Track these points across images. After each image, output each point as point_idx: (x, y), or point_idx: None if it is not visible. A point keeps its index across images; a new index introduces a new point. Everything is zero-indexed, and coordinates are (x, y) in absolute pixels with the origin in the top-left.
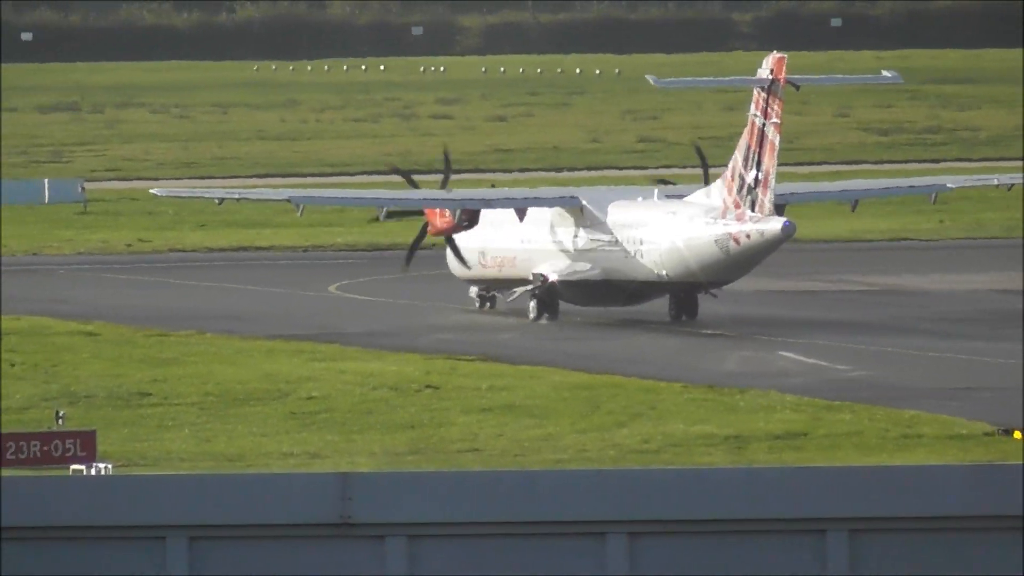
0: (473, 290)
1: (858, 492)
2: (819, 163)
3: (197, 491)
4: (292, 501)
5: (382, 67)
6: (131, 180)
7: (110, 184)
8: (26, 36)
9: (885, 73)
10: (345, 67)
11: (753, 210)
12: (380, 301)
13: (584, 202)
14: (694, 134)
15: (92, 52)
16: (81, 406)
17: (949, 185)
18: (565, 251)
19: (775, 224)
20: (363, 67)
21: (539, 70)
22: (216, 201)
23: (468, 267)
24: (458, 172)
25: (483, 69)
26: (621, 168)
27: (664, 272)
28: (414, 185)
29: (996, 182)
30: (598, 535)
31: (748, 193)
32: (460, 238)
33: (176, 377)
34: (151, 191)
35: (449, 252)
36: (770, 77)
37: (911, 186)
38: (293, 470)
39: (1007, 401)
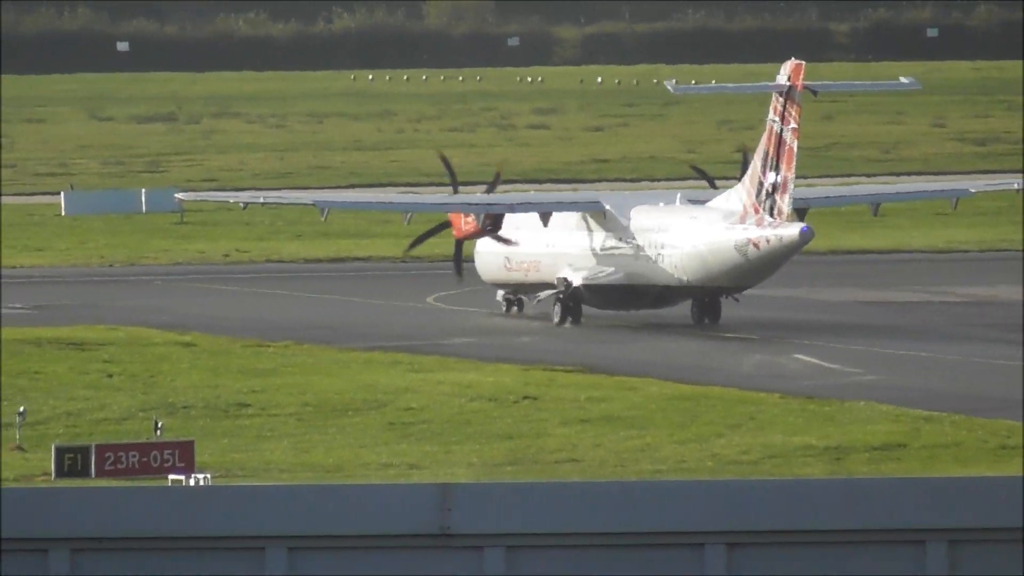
0: (500, 293)
1: (957, 502)
2: (916, 173)
3: (296, 502)
4: (391, 512)
5: (479, 77)
6: (227, 190)
7: (207, 194)
8: (122, 46)
9: (903, 79)
10: (442, 77)
11: (772, 215)
12: (478, 312)
13: (607, 207)
14: None
15: (189, 62)
16: (179, 417)
17: (971, 190)
18: (589, 256)
19: (793, 229)
20: (460, 77)
21: (635, 80)
22: (241, 205)
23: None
24: (555, 182)
25: (580, 79)
26: (717, 178)
27: (685, 276)
28: (455, 187)
29: (1016, 186)
30: (697, 546)
31: (767, 198)
32: (485, 243)
33: (274, 388)
34: (176, 195)
35: (478, 257)
36: (787, 83)
37: (933, 191)
38: (392, 481)
39: None
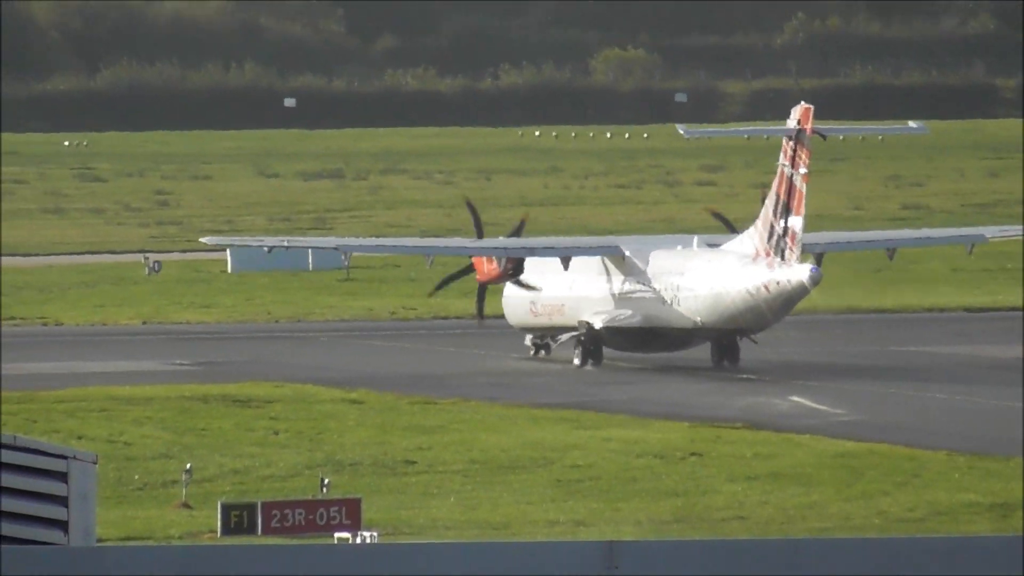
0: (528, 338)
1: None
2: None
3: (462, 559)
4: (558, 569)
5: (645, 134)
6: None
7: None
8: (289, 102)
9: (911, 124)
10: (608, 134)
11: (783, 258)
12: (645, 369)
13: (626, 251)
14: (957, 201)
15: (356, 118)
16: (346, 474)
17: (987, 236)
18: (609, 299)
19: (802, 271)
20: (626, 134)
21: None
22: (265, 249)
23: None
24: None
25: (746, 136)
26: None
27: (699, 318)
28: (480, 233)
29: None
30: None
31: (778, 242)
32: (511, 288)
33: (441, 444)
34: (201, 239)
35: (505, 302)
36: (797, 127)
37: (948, 236)
38: (558, 538)
39: None
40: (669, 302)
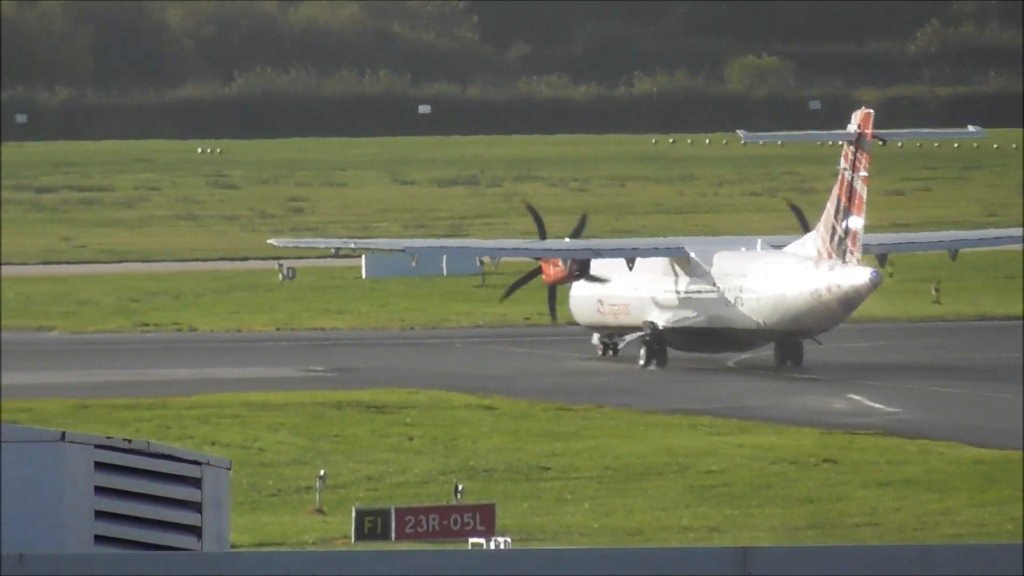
0: (595, 337)
1: None
2: None
3: (597, 565)
4: (692, 575)
5: (779, 142)
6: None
7: (508, 259)
8: (424, 109)
9: (971, 128)
10: (742, 141)
11: (844, 260)
12: (779, 375)
13: (691, 253)
14: None
15: (490, 125)
16: (480, 480)
17: None
18: (674, 300)
19: (863, 274)
20: (760, 141)
21: (936, 144)
22: (332, 251)
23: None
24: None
25: (880, 143)
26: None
27: (762, 320)
28: (542, 234)
29: None
30: None
31: (839, 244)
32: (579, 287)
33: (575, 451)
34: (269, 241)
35: (573, 302)
36: (857, 131)
37: (1012, 236)
38: (692, 544)
39: None
40: (732, 303)
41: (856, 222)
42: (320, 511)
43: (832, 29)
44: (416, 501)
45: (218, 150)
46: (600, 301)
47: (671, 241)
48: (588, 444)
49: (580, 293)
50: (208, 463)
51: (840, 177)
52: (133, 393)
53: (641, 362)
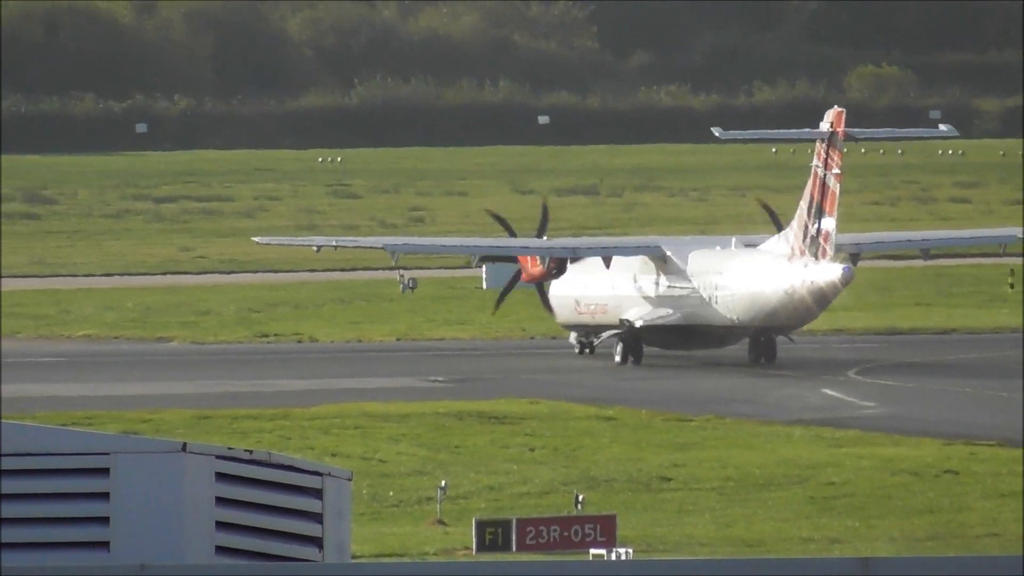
0: (572, 336)
1: None
2: None
3: None
4: None
5: (900, 151)
6: None
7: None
8: (543, 119)
9: (942, 127)
10: (863, 150)
11: (817, 257)
12: (900, 386)
13: (667, 251)
14: None
15: (610, 135)
16: (600, 490)
17: (1019, 236)
18: (649, 298)
19: (835, 270)
20: (880, 150)
21: None
22: (314, 249)
23: (551, 311)
24: (968, 257)
25: (1001, 152)
26: None
27: (736, 316)
28: (512, 233)
29: None
30: None
31: (812, 241)
32: (556, 286)
33: (695, 462)
34: (253, 239)
35: (551, 299)
36: (830, 130)
37: (981, 237)
38: (813, 555)
39: None
40: (707, 301)
41: (829, 220)
42: (441, 522)
43: (953, 38)
44: (537, 512)
45: (339, 159)
46: (577, 301)
47: (648, 240)
48: (709, 455)
49: (558, 292)
50: (329, 474)
51: (813, 175)
52: (254, 404)
53: (617, 359)
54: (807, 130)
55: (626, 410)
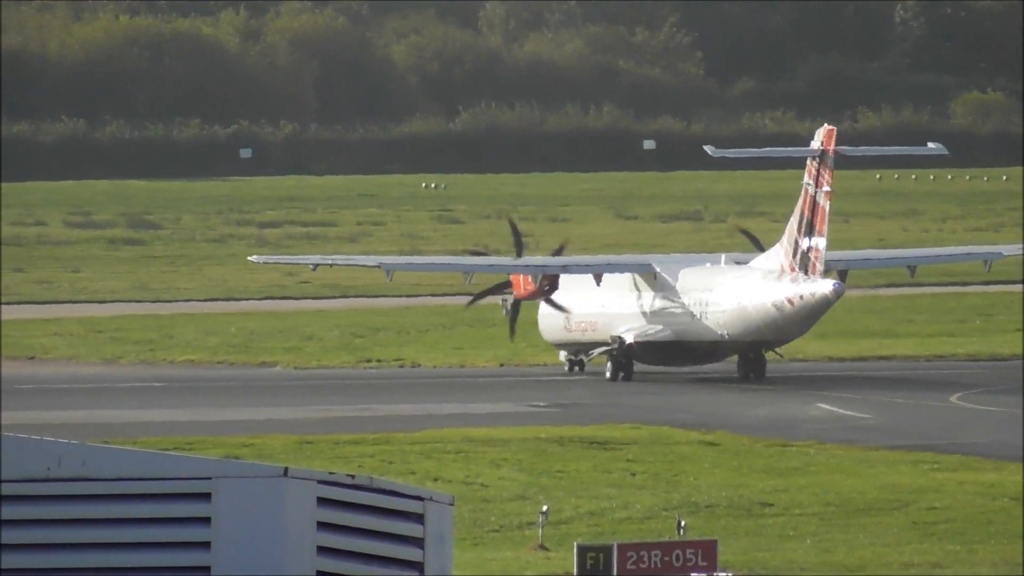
0: (562, 354)
1: None
2: None
3: None
4: None
5: (1004, 177)
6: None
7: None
8: (648, 144)
9: (931, 145)
10: (967, 176)
11: (807, 273)
12: (1003, 412)
13: (657, 268)
14: None
15: (714, 161)
16: (702, 515)
17: (1003, 253)
18: (640, 314)
19: (825, 285)
20: (984, 177)
21: None
22: (311, 267)
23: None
24: None
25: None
26: None
27: (727, 332)
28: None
29: None
30: None
31: (802, 257)
32: (544, 305)
33: (797, 487)
34: (250, 258)
35: (540, 318)
36: (820, 148)
37: (966, 254)
38: None
39: None
40: (698, 316)
41: (819, 238)
42: (542, 547)
43: None
44: (638, 537)
45: (443, 185)
46: (567, 319)
47: (638, 258)
48: (810, 480)
49: (548, 311)
50: (431, 498)
51: (804, 192)
52: (356, 429)
53: (608, 375)
54: (799, 148)
55: (728, 435)
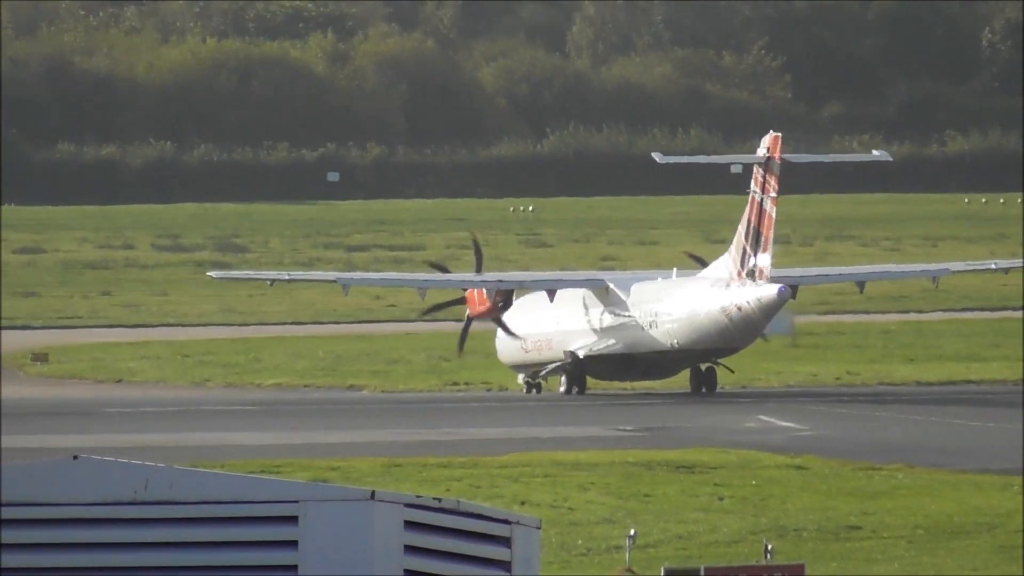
0: (520, 377)
1: None
2: None
3: None
4: None
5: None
6: (839, 313)
7: (819, 317)
8: (736, 168)
9: (875, 152)
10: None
11: (754, 279)
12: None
13: (610, 283)
14: None
15: (802, 184)
16: (790, 539)
17: (951, 269)
18: (593, 330)
19: (771, 290)
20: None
21: None
22: (268, 283)
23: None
24: None
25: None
26: None
27: (676, 341)
28: (480, 262)
29: (993, 266)
30: None
31: (750, 264)
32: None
33: (885, 510)
34: (208, 274)
35: (497, 339)
36: (767, 155)
37: (915, 271)
38: None
39: None
40: (648, 328)
41: (767, 244)
42: (630, 571)
43: None
44: (726, 561)
45: (531, 208)
46: (524, 338)
47: (591, 274)
48: (898, 503)
49: (504, 333)
50: (518, 522)
51: (750, 199)
52: (444, 452)
53: (562, 389)
54: (744, 155)
55: (816, 459)
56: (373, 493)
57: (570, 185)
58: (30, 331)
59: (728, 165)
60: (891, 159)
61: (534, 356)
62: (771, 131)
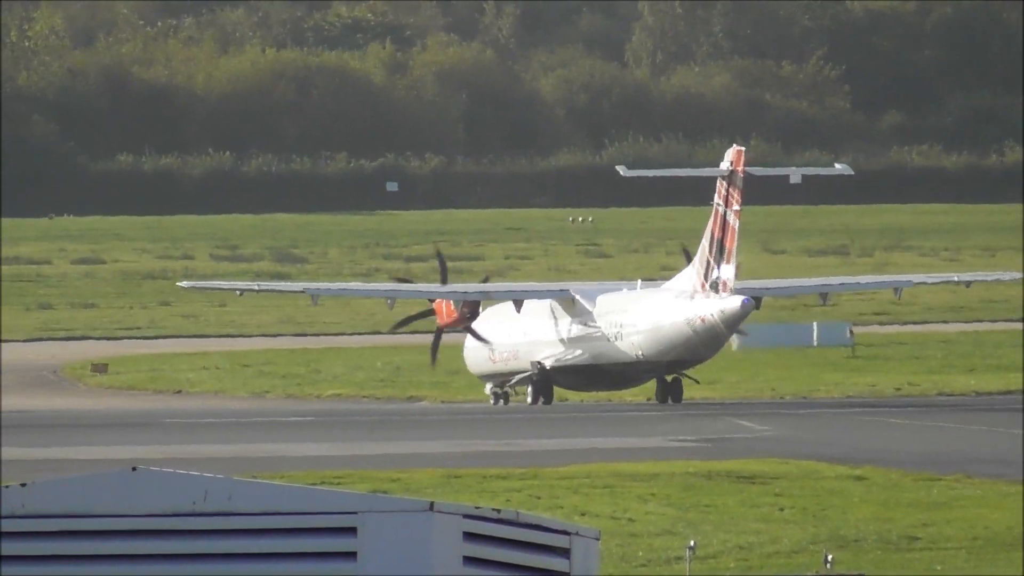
0: (488, 387)
1: None
2: None
3: None
4: None
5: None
6: (898, 324)
7: (878, 328)
8: (795, 179)
9: (837, 166)
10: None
11: (717, 291)
12: None
13: (575, 295)
14: None
15: (861, 195)
16: (849, 550)
17: (913, 281)
18: (559, 341)
19: (734, 301)
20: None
21: None
22: (238, 293)
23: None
24: None
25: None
26: None
27: (641, 352)
28: (444, 273)
29: (956, 279)
30: None
31: (713, 275)
32: (470, 339)
33: (944, 521)
34: (178, 284)
35: (465, 349)
36: (729, 168)
37: (877, 283)
38: None
39: None
40: (613, 339)
41: (731, 256)
42: None
43: None
44: (785, 571)
45: (590, 218)
46: (492, 349)
47: (557, 285)
48: (957, 514)
49: (472, 344)
50: (577, 533)
51: (714, 211)
52: (503, 463)
53: (528, 400)
54: (708, 168)
55: (876, 469)
56: (432, 504)
57: (629, 195)
58: (89, 342)
59: (787, 175)
60: (852, 172)
61: (501, 367)
62: (734, 145)
